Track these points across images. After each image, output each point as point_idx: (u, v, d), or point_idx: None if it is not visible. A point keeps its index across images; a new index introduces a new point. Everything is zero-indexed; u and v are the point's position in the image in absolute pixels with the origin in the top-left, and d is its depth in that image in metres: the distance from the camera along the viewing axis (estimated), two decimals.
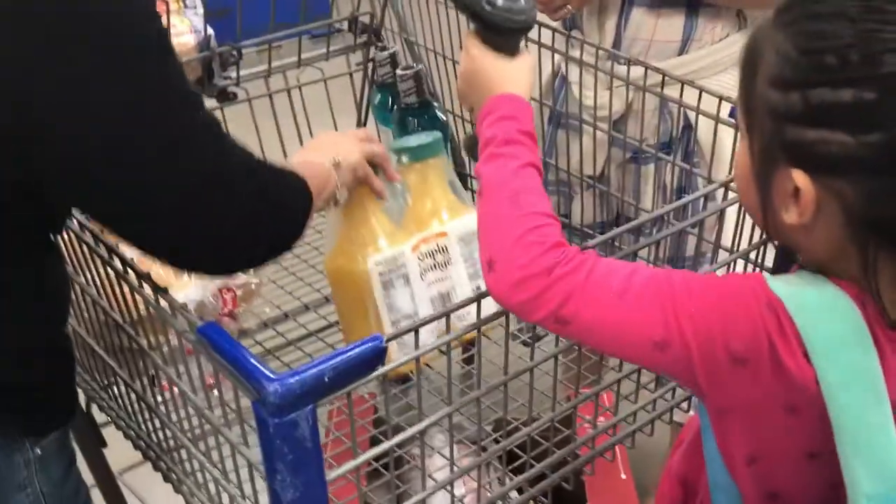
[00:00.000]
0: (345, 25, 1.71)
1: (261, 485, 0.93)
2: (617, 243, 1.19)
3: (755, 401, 0.78)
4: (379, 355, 0.81)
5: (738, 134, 0.83)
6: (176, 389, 1.05)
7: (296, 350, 1.41)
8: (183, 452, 1.08)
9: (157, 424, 1.11)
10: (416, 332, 0.85)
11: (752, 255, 1.10)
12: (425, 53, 1.71)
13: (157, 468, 1.18)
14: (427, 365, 1.25)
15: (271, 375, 0.76)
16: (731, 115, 1.23)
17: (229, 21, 1.54)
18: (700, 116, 1.27)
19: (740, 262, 1.11)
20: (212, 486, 1.04)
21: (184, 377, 0.99)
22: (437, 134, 1.36)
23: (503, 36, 0.94)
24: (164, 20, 0.83)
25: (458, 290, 1.25)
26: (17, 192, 0.81)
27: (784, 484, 0.84)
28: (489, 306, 0.88)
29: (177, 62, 0.81)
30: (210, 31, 1.55)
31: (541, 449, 1.11)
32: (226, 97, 1.54)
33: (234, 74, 1.54)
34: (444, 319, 0.89)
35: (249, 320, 1.40)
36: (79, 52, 0.75)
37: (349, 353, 0.79)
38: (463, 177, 1.68)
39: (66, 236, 1.08)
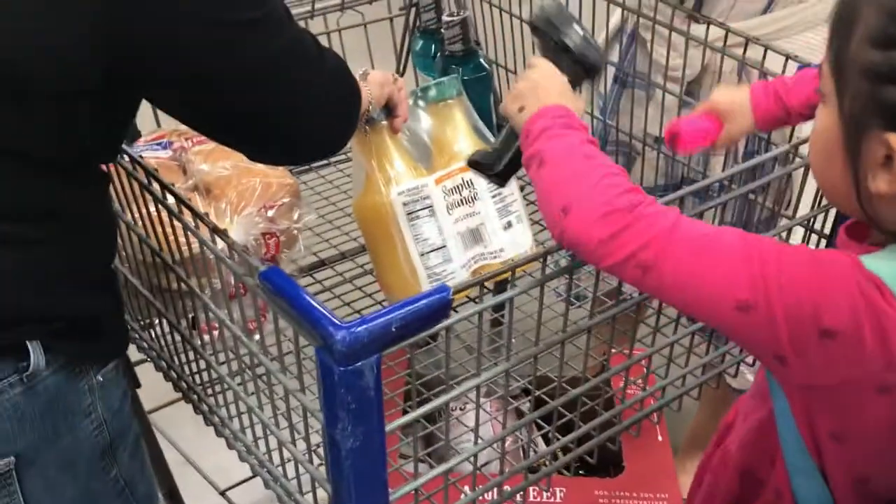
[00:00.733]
0: None
1: (308, 431, 0.93)
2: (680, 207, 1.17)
3: (845, 378, 0.75)
4: (445, 306, 0.80)
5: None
6: (218, 333, 1.04)
7: (334, 298, 1.40)
8: (229, 395, 1.07)
9: (202, 366, 1.10)
10: (482, 286, 0.84)
11: (814, 222, 1.08)
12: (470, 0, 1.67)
13: (198, 410, 1.18)
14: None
15: (339, 323, 0.75)
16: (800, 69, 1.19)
17: None
18: None
19: (799, 230, 1.09)
20: (258, 429, 1.03)
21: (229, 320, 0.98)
22: (455, 77, 1.34)
23: (578, 68, 0.97)
24: None
25: (487, 226, 1.25)
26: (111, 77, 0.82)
27: (874, 465, 0.81)
28: None
29: None
30: None
31: (585, 409, 1.10)
32: None
33: None
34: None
35: (288, 266, 1.39)
36: None
37: (417, 304, 0.78)
38: (501, 128, 1.66)
39: (114, 172, 1.06)
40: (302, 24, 1.56)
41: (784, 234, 1.09)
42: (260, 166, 1.35)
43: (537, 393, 1.08)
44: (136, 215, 1.08)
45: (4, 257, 0.84)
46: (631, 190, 0.80)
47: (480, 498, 1.14)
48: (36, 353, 0.87)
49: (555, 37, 0.97)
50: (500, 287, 1.33)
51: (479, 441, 1.03)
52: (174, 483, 1.70)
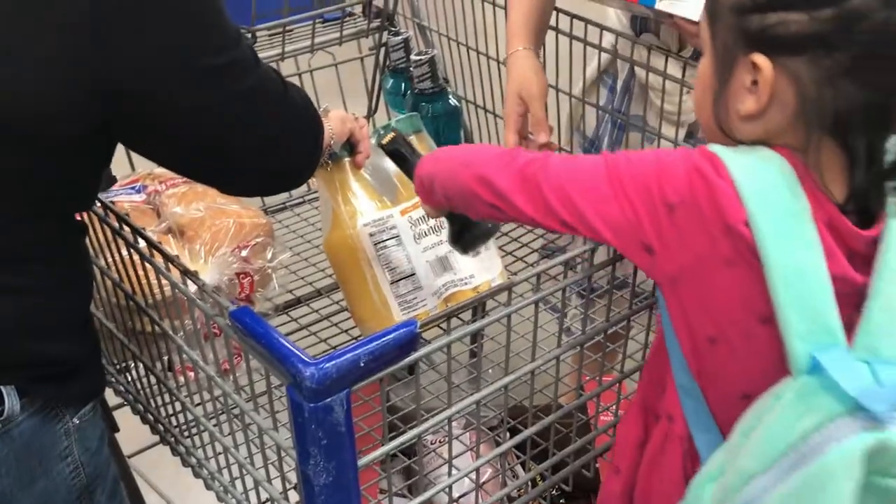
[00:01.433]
0: (358, 9, 1.70)
1: (283, 469, 0.94)
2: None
3: (699, 253, 0.82)
4: (413, 340, 0.81)
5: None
6: (194, 374, 1.05)
7: (310, 335, 1.41)
8: (205, 436, 1.08)
9: (178, 408, 1.11)
10: (449, 319, 0.85)
11: None
12: (437, 38, 1.70)
13: (175, 452, 1.18)
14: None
15: (308, 360, 0.76)
16: None
17: (244, 4, 1.53)
18: None
19: None
20: (234, 470, 1.04)
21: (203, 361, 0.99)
22: (415, 115, 1.37)
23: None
24: None
25: (455, 253, 1.26)
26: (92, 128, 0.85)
27: (758, 377, 0.83)
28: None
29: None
30: None
31: (560, 436, 1.11)
32: None
33: None
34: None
35: (264, 305, 1.40)
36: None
37: (384, 339, 0.79)
38: None
39: (87, 218, 1.07)
40: (273, 66, 1.59)
41: None
42: (233, 207, 1.37)
43: (511, 423, 1.09)
44: (110, 260, 1.09)
45: None
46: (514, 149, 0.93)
47: None
48: (11, 398, 0.87)
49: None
50: (475, 317, 1.35)
51: (455, 472, 1.04)
52: None
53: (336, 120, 1.16)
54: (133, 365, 1.19)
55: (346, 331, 1.41)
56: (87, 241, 1.12)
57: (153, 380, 1.14)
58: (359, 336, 1.35)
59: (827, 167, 0.81)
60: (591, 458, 1.14)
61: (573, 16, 1.40)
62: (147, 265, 1.02)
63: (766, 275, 0.79)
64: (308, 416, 0.77)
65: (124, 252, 1.08)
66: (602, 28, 1.40)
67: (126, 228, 1.01)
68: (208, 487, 1.12)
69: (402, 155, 1.12)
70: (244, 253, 1.30)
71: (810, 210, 0.79)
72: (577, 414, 1.12)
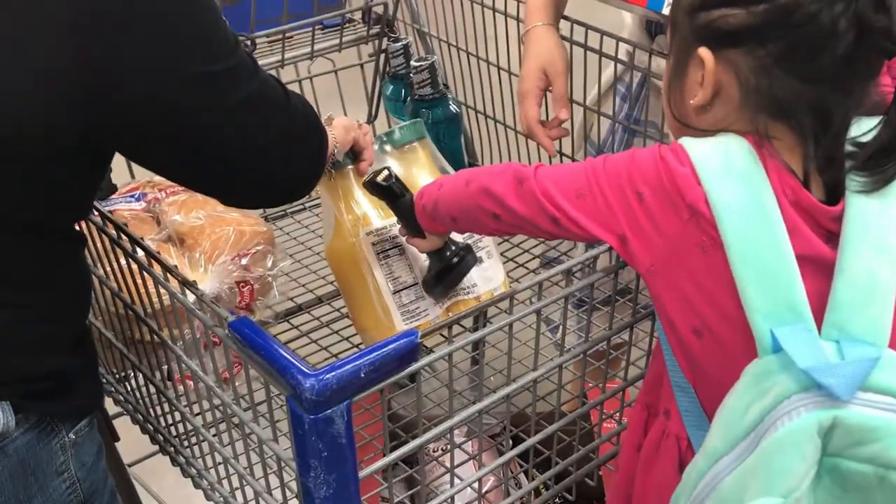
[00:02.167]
0: (357, 16, 1.69)
1: (283, 480, 0.93)
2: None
3: (671, 242, 0.85)
4: (413, 351, 0.81)
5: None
6: (193, 384, 1.04)
7: (310, 343, 1.40)
8: (205, 446, 1.07)
9: (178, 418, 1.10)
10: (450, 327, 0.84)
11: None
12: (437, 44, 1.70)
13: (175, 462, 1.17)
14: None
15: (308, 371, 0.75)
16: None
17: (243, 11, 1.53)
18: None
19: None
20: (234, 481, 1.03)
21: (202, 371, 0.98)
22: (418, 121, 1.37)
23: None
24: None
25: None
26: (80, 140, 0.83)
27: (738, 365, 0.84)
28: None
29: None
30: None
31: (562, 445, 1.11)
32: None
33: None
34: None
35: (264, 313, 1.39)
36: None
37: (385, 349, 0.79)
38: (473, 167, 1.68)
39: (85, 228, 1.07)
40: (273, 72, 1.59)
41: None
42: (233, 215, 1.36)
43: (513, 431, 1.08)
44: (108, 269, 1.08)
45: None
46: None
47: None
48: (6, 414, 0.86)
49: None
50: (477, 325, 1.34)
51: (458, 482, 1.03)
52: None
53: (339, 129, 1.15)
54: (133, 374, 1.18)
55: (346, 338, 1.40)
56: (86, 250, 1.12)
57: (153, 389, 1.14)
58: (360, 344, 1.35)
59: (784, 148, 0.84)
60: (594, 466, 1.13)
61: (587, 26, 1.39)
62: (146, 275, 1.01)
63: (727, 253, 0.81)
64: (308, 428, 0.76)
65: (123, 261, 1.07)
66: (618, 39, 1.38)
67: (124, 238, 1.00)
68: (208, 498, 1.11)
69: (394, 193, 1.14)
70: (244, 261, 1.29)
71: (771, 189, 0.82)
72: (581, 422, 1.12)
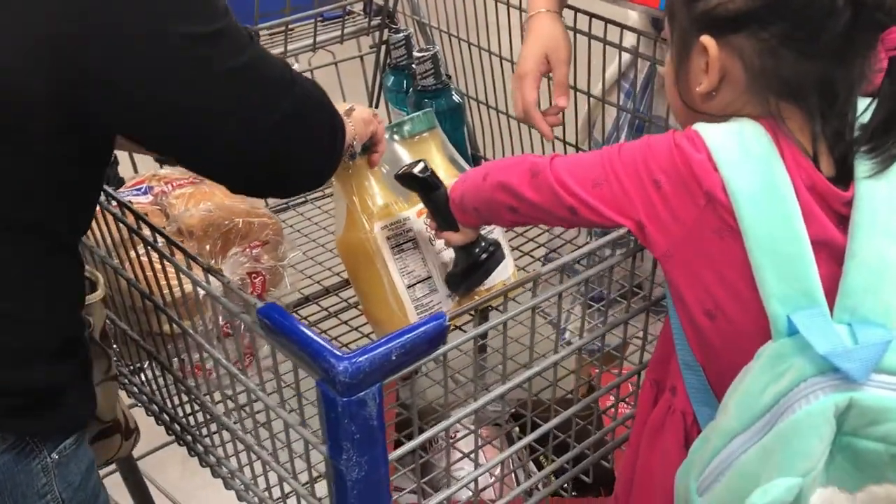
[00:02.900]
0: (358, 7, 1.70)
1: (310, 463, 0.94)
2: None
3: (688, 228, 0.86)
4: (442, 333, 0.82)
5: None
6: (214, 372, 1.05)
7: (321, 333, 1.40)
8: (225, 434, 1.07)
9: (197, 407, 1.10)
10: (477, 311, 0.85)
11: None
12: (437, 35, 1.71)
13: (192, 452, 1.18)
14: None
15: (340, 354, 0.76)
16: None
17: (246, 3, 1.53)
18: None
19: None
20: (257, 467, 1.03)
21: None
22: (429, 111, 1.37)
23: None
24: None
25: None
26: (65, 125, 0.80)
27: (750, 346, 0.85)
28: None
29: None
30: None
31: (578, 428, 1.12)
32: None
33: None
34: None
35: None
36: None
37: (415, 332, 0.79)
38: (476, 159, 1.69)
39: (101, 218, 1.07)
40: None
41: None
42: (241, 206, 1.37)
43: (530, 415, 1.09)
44: (125, 259, 1.08)
45: None
46: None
47: None
48: None
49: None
50: (483, 314, 1.35)
51: (469, 468, 1.04)
52: None
53: (359, 121, 1.12)
54: (150, 364, 1.18)
55: (356, 328, 1.41)
56: (101, 240, 1.12)
57: (170, 379, 1.14)
58: (370, 334, 1.35)
59: (795, 129, 0.85)
60: (608, 450, 1.14)
61: (592, 15, 1.39)
62: (165, 264, 1.01)
63: (744, 239, 0.82)
64: (341, 411, 0.77)
65: (141, 250, 1.08)
66: (623, 27, 1.39)
67: (144, 227, 1.00)
68: (228, 487, 1.12)
69: (430, 185, 1.13)
70: (255, 252, 1.29)
71: (787, 173, 0.83)
72: (593, 406, 1.13)
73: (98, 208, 1.09)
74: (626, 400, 1.20)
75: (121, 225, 1.04)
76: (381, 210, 1.22)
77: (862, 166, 0.85)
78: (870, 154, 0.85)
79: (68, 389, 0.89)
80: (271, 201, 1.63)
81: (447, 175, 1.30)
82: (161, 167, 1.43)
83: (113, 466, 1.48)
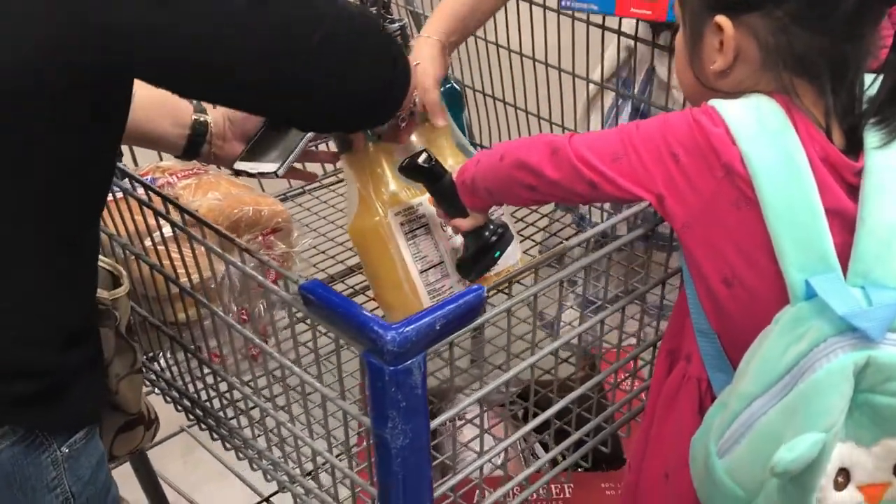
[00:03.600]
0: None
1: (348, 435, 0.96)
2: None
3: (707, 197, 0.89)
4: (481, 304, 0.84)
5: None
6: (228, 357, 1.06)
7: None
8: (253, 414, 1.09)
9: (223, 388, 1.12)
10: (510, 284, 0.88)
11: None
12: None
13: (216, 435, 1.19)
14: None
15: (388, 324, 0.78)
16: None
17: None
18: None
19: None
20: (287, 446, 1.05)
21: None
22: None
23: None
24: None
25: None
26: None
27: (766, 312, 0.89)
28: None
29: None
30: None
31: (570, 416, 1.14)
32: None
33: None
34: None
35: None
36: None
37: (457, 303, 0.82)
38: (474, 147, 1.71)
39: (117, 207, 1.08)
40: None
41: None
42: (249, 195, 1.38)
43: (536, 397, 1.11)
44: (148, 245, 1.09)
45: None
46: None
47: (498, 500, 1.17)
48: None
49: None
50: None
51: (485, 449, 1.06)
52: None
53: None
54: (168, 352, 1.19)
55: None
56: (122, 226, 1.13)
57: (193, 364, 1.15)
58: (383, 317, 1.37)
59: (808, 104, 0.89)
60: (607, 434, 1.17)
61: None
62: (184, 250, 1.02)
63: (762, 210, 0.86)
64: (388, 380, 0.79)
65: (157, 238, 1.09)
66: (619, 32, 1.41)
67: (172, 210, 1.01)
68: (254, 467, 1.14)
69: (436, 174, 1.14)
70: (269, 239, 1.31)
71: (801, 146, 0.87)
72: (592, 394, 1.15)
73: (114, 198, 1.11)
74: (638, 374, 1.23)
75: (140, 212, 1.05)
76: (395, 196, 1.24)
77: (871, 138, 0.89)
78: (878, 126, 0.89)
79: (76, 381, 0.89)
80: (271, 190, 1.64)
81: (455, 162, 1.32)
82: (161, 160, 1.44)
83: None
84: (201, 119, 1.19)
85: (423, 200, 1.26)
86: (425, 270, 1.25)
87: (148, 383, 1.31)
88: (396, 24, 1.64)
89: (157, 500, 1.56)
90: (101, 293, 1.01)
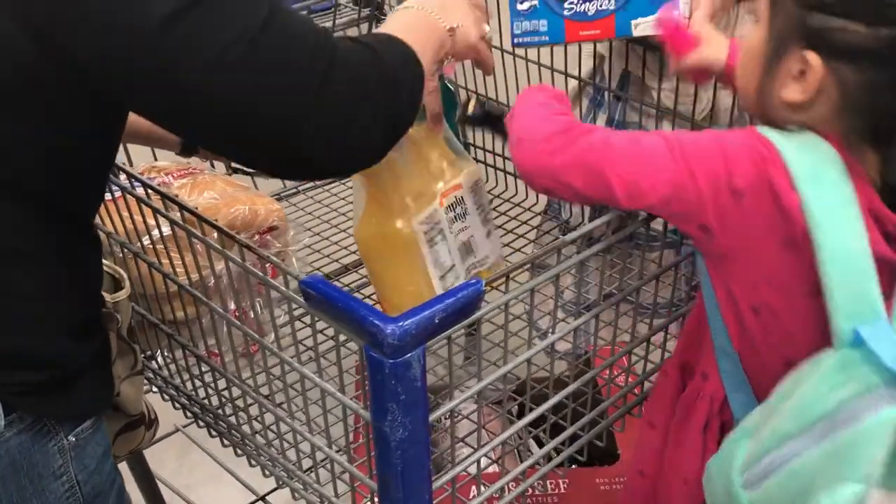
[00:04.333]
0: None
1: (347, 428, 0.97)
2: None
3: (756, 235, 0.88)
4: (479, 298, 0.85)
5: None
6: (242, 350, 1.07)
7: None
8: (251, 410, 1.10)
9: (221, 386, 1.13)
10: (508, 279, 0.89)
11: None
12: None
13: (214, 432, 1.20)
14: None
15: (388, 318, 0.79)
16: None
17: None
18: None
19: None
20: (286, 443, 1.06)
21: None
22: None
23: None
24: None
25: (475, 236, 1.28)
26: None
27: (802, 345, 0.89)
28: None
29: None
30: None
31: (566, 411, 1.15)
32: None
33: None
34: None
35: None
36: None
37: (455, 297, 0.83)
38: (467, 147, 1.72)
39: (121, 203, 1.09)
40: None
41: None
42: (244, 194, 1.39)
43: (531, 392, 1.12)
44: (147, 244, 1.10)
45: None
46: (572, 121, 0.95)
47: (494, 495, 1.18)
48: None
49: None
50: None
51: (481, 443, 1.07)
52: None
53: (462, 41, 1.00)
54: (165, 349, 1.20)
55: None
56: (121, 225, 1.13)
57: (191, 361, 1.16)
58: None
59: (865, 157, 0.88)
60: (602, 429, 1.18)
61: None
62: (182, 249, 1.03)
63: (816, 257, 0.85)
64: (388, 373, 0.80)
65: (155, 235, 1.10)
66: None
67: (172, 207, 1.02)
68: (252, 463, 1.14)
69: (496, 115, 1.11)
70: (266, 238, 1.32)
71: (856, 195, 0.86)
72: (586, 389, 1.16)
73: (112, 196, 1.12)
74: (632, 370, 1.24)
75: (135, 211, 1.06)
76: (417, 203, 1.21)
77: None
78: None
79: (85, 372, 0.89)
80: (266, 190, 1.65)
81: (447, 159, 1.30)
82: (156, 160, 1.44)
83: None
84: None
85: (436, 206, 1.22)
86: (443, 276, 1.23)
87: (145, 381, 1.31)
88: None
89: (154, 499, 1.56)
90: (103, 296, 1.02)
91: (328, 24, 1.68)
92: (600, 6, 1.24)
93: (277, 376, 1.02)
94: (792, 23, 0.87)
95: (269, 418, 1.07)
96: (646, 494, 1.11)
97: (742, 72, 0.96)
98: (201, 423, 1.22)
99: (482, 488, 1.09)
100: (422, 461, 0.87)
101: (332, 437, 0.99)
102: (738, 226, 0.88)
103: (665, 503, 1.09)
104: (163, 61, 0.71)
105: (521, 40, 1.33)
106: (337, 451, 0.99)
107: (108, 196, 1.08)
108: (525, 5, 1.29)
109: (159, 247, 1.11)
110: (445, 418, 1.44)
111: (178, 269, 1.12)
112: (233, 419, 1.15)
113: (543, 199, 1.66)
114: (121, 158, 1.49)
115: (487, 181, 1.70)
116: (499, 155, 1.67)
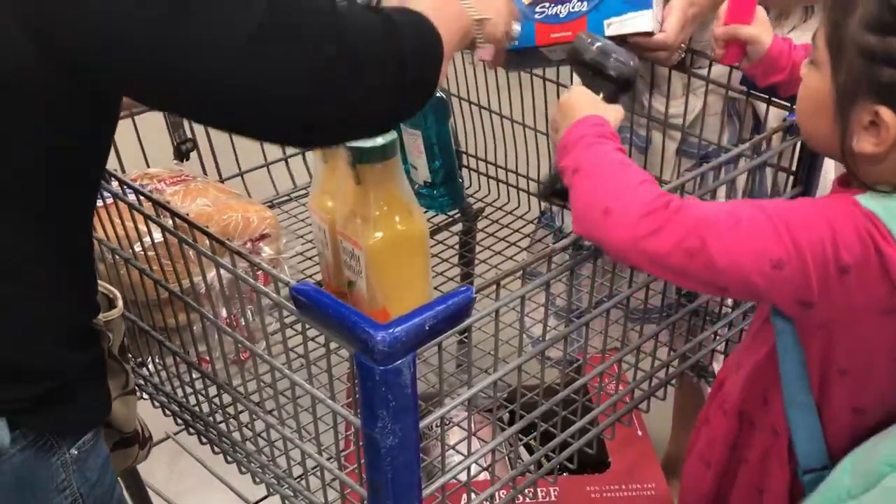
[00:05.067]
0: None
1: (337, 436, 0.97)
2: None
3: (857, 307, 0.87)
4: (469, 306, 0.85)
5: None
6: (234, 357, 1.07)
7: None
8: (242, 418, 1.10)
9: (212, 393, 1.13)
10: (498, 284, 0.90)
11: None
12: None
13: (204, 439, 1.20)
14: None
15: (378, 325, 0.80)
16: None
17: None
18: (771, 108, 1.29)
19: None
20: (274, 450, 1.06)
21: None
22: (394, 135, 1.20)
23: (610, 83, 1.04)
24: None
25: None
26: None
27: (872, 396, 0.92)
28: None
29: None
30: None
31: (556, 419, 1.15)
32: None
33: None
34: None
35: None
36: None
37: (446, 304, 0.83)
38: (459, 155, 1.72)
39: (113, 210, 1.09)
40: None
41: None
42: (237, 201, 1.39)
43: (522, 400, 1.12)
44: (138, 251, 1.10)
45: None
46: (664, 193, 0.89)
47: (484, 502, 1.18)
48: (0, 431, 0.82)
49: (586, 60, 1.05)
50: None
51: (472, 451, 1.07)
52: None
53: (491, 29, 0.99)
54: (156, 356, 1.20)
55: None
56: (112, 231, 1.13)
57: (182, 368, 1.16)
58: None
59: None
60: (592, 436, 1.18)
61: None
62: (183, 252, 1.04)
63: None
64: (378, 380, 0.80)
65: (147, 242, 1.10)
66: None
67: (164, 214, 1.02)
68: (242, 470, 1.14)
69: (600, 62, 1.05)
70: (258, 245, 1.32)
71: None
72: (576, 396, 1.16)
73: (104, 203, 1.12)
74: (605, 389, 1.24)
75: (127, 218, 1.06)
76: (419, 207, 1.20)
77: None
78: None
79: (84, 383, 0.90)
80: (258, 197, 1.65)
81: (399, 209, 1.19)
82: (148, 167, 1.45)
83: None
84: None
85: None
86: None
87: (136, 388, 1.31)
88: None
89: None
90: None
91: None
92: (572, 8, 1.23)
93: (268, 383, 1.02)
94: (858, 76, 0.85)
95: (259, 425, 1.07)
96: None
97: (805, 116, 0.94)
98: (192, 430, 1.22)
99: (472, 496, 1.10)
100: (412, 468, 0.87)
101: (323, 444, 1.00)
102: (840, 299, 0.86)
103: None
104: (173, 54, 0.73)
105: None
106: (327, 459, 0.99)
107: (99, 202, 1.08)
108: None
109: (151, 253, 1.11)
110: (436, 425, 1.46)
111: (169, 276, 1.12)
112: (223, 426, 1.15)
113: (536, 207, 1.66)
114: (113, 165, 1.50)
115: (480, 189, 1.71)
116: (491, 164, 1.68)
